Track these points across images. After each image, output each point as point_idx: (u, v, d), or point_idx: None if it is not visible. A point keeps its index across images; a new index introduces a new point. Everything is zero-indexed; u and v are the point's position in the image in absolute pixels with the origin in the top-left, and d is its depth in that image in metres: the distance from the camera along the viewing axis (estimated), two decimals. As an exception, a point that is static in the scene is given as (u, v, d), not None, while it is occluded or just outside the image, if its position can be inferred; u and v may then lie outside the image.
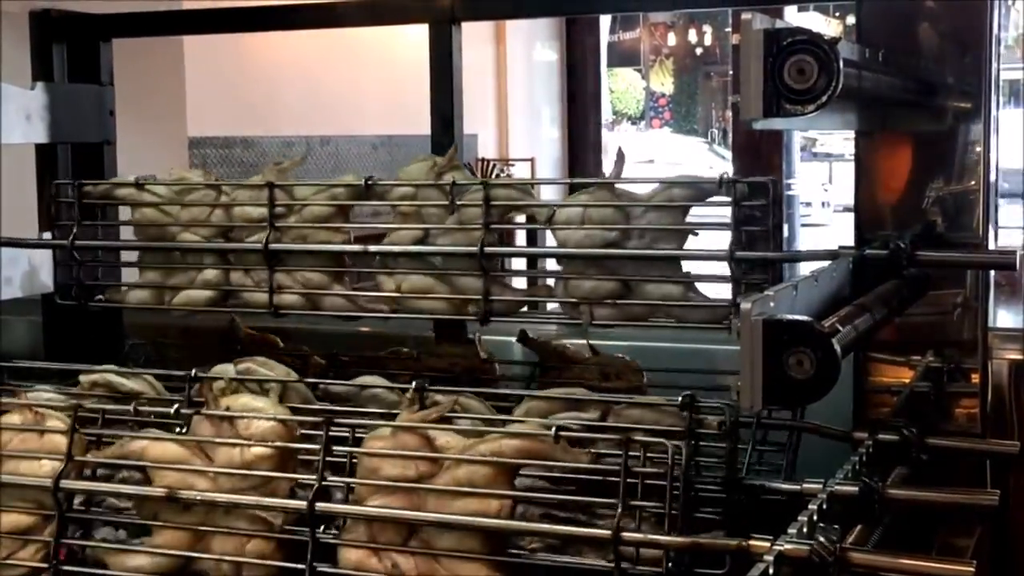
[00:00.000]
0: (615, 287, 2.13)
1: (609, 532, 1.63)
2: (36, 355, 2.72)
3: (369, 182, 2.23)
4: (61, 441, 1.91)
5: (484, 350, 2.45)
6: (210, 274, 2.37)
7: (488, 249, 2.15)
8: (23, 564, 1.89)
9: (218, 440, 1.84)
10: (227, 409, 1.87)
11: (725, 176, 2.03)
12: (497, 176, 10.17)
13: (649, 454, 1.69)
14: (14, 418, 1.98)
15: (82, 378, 2.20)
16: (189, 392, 2.07)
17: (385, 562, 1.74)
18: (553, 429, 1.72)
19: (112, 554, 1.87)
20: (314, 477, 1.77)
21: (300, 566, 1.76)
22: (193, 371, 2.10)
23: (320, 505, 1.76)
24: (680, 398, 1.86)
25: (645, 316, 2.14)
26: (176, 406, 1.95)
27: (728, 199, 2.02)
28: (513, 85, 10.94)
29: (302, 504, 1.76)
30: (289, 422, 1.85)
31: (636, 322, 2.14)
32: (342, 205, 2.27)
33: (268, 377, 2.11)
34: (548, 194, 9.86)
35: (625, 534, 1.63)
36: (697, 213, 2.13)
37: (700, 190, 2.08)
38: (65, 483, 1.88)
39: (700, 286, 2.11)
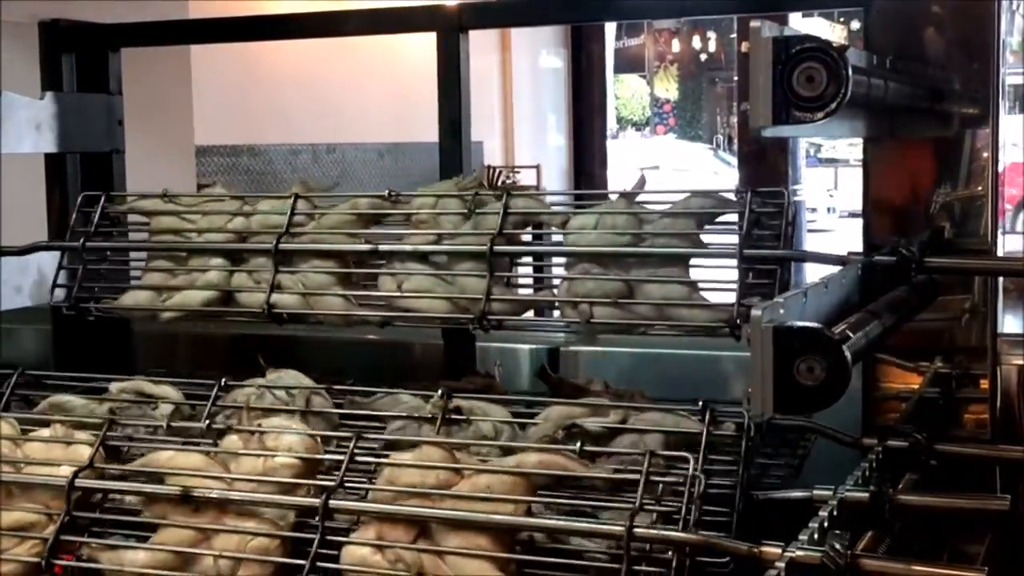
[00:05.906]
0: (618, 288, 2.06)
1: (623, 527, 1.63)
2: (45, 364, 2.72)
3: (392, 195, 2.20)
4: (87, 452, 1.92)
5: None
6: (212, 276, 2.27)
7: (497, 248, 2.10)
8: (17, 559, 1.87)
9: (243, 452, 1.85)
10: (259, 426, 1.88)
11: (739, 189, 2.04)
12: (504, 183, 10.19)
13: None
14: (43, 430, 1.99)
15: (113, 387, 2.21)
16: (213, 404, 2.08)
17: (388, 555, 1.72)
18: (579, 444, 1.76)
19: (111, 551, 1.85)
20: (333, 479, 1.78)
21: (301, 562, 1.75)
22: (223, 380, 2.11)
23: (334, 502, 1.75)
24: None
25: (647, 316, 2.06)
26: (207, 422, 1.99)
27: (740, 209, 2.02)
28: (519, 92, 10.96)
29: (315, 501, 1.76)
30: (316, 438, 1.86)
31: (636, 321, 2.06)
32: (362, 215, 2.22)
33: (295, 385, 2.11)
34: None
35: (638, 530, 1.63)
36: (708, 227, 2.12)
37: (717, 200, 2.07)
38: (81, 481, 1.88)
39: (707, 294, 2.08)
